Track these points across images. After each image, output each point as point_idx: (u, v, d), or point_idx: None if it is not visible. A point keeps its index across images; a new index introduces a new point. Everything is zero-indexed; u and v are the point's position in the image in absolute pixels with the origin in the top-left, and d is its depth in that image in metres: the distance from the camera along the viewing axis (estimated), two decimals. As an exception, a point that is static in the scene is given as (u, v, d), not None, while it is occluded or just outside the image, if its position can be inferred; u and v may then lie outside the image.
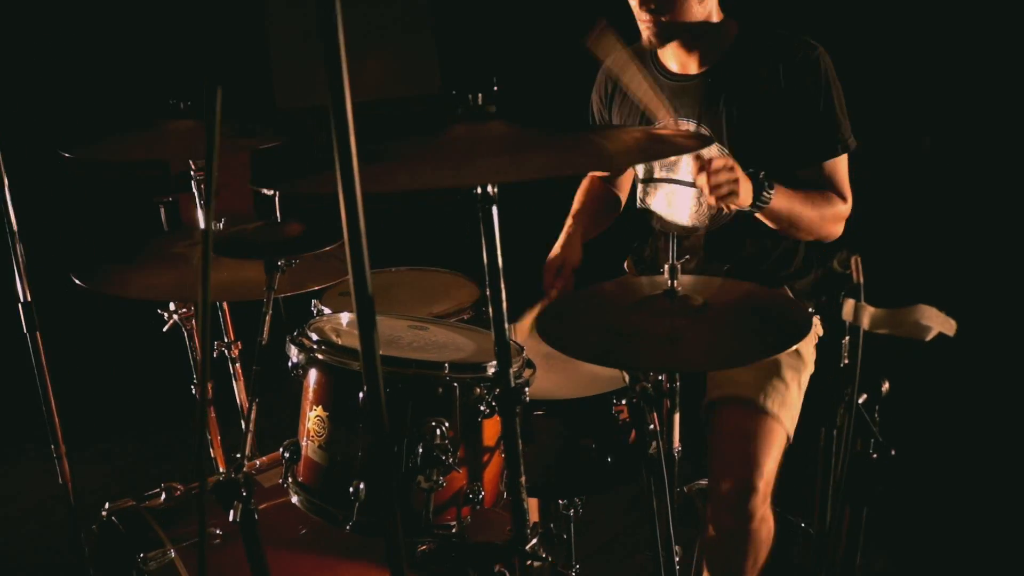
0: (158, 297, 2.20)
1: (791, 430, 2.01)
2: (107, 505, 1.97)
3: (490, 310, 1.40)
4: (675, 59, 2.18)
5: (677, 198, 2.23)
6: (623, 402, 1.79)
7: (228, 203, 4.21)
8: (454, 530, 1.61)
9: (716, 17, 2.11)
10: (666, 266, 1.59)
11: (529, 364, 1.68)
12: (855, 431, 1.34)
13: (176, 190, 4.23)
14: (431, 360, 1.61)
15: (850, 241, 1.33)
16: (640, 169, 2.31)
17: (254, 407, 1.79)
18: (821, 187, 2.06)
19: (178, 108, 2.19)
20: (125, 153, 2.31)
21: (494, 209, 1.34)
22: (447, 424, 1.57)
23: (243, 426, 2.45)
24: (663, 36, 2.08)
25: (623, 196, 2.48)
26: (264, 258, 1.68)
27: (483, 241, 1.35)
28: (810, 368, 2.11)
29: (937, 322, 1.13)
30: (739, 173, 1.86)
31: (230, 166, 4.20)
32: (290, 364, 1.72)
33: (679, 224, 2.23)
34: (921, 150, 4.08)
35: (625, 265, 2.46)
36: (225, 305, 2.49)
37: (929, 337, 1.15)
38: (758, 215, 1.97)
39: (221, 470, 2.46)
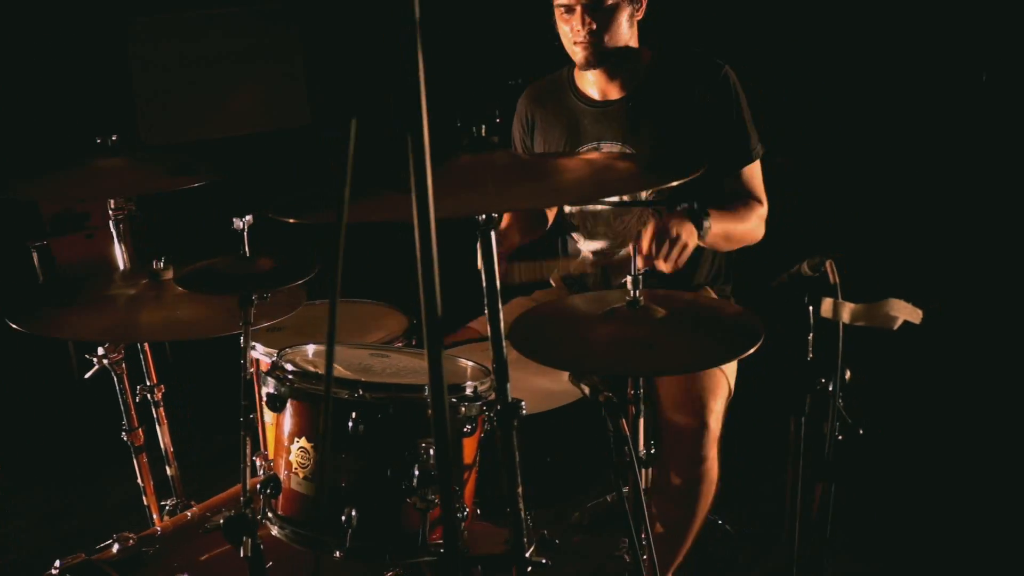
0: (95, 338, 2.13)
1: (732, 385, 2.17)
2: (57, 563, 1.88)
3: (488, 330, 1.47)
4: (596, 87, 2.33)
5: (596, 219, 2.37)
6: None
7: (106, 245, 4.05)
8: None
9: (634, 43, 2.27)
10: (628, 278, 1.71)
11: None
12: (822, 417, 1.50)
13: (49, 234, 4.04)
14: (417, 384, 1.66)
15: (818, 246, 1.50)
16: None
17: (248, 441, 1.78)
18: (741, 195, 2.25)
19: (106, 145, 2.14)
20: (61, 191, 2.21)
21: (492, 233, 1.42)
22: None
23: (169, 472, 2.43)
24: (598, 57, 2.20)
25: (551, 214, 2.60)
26: (238, 293, 1.68)
27: (483, 264, 1.43)
28: None
29: (905, 312, 1.30)
30: (676, 227, 1.98)
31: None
32: (265, 397, 1.72)
33: (598, 247, 2.38)
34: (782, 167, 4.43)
35: (551, 280, 2.58)
36: (147, 347, 2.43)
37: (896, 326, 1.32)
38: (700, 243, 2.11)
39: (155, 518, 2.38)
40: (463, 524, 1.69)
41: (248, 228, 1.72)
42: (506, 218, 2.54)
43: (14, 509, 3.34)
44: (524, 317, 1.78)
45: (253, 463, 2.40)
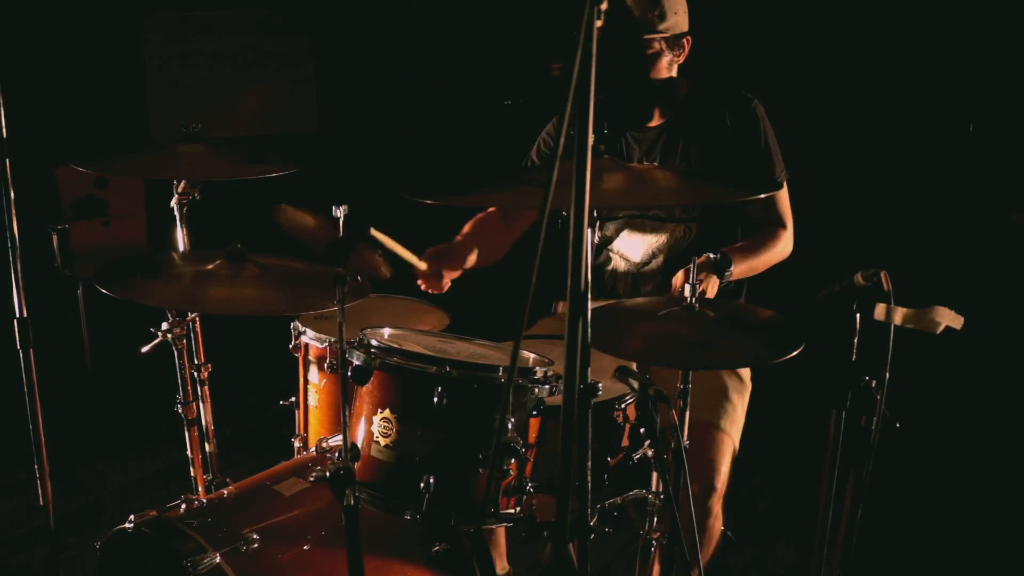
0: (183, 307, 2.26)
1: (737, 443, 2.37)
2: (132, 517, 2.00)
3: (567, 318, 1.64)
4: None
5: (633, 236, 2.57)
6: (622, 407, 2.07)
7: (121, 232, 4.16)
8: (522, 514, 1.82)
9: (675, 74, 2.48)
10: (687, 285, 1.91)
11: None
12: (860, 409, 1.70)
13: (70, 219, 4.12)
14: (495, 365, 1.83)
15: (867, 258, 1.70)
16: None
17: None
18: (766, 221, 2.46)
19: (189, 131, 2.28)
20: (139, 171, 2.35)
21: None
22: (513, 420, 1.79)
23: (208, 449, 2.54)
24: None
25: (513, 237, 2.72)
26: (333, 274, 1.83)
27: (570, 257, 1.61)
28: (749, 388, 2.48)
29: (948, 319, 1.52)
30: (705, 283, 2.20)
31: (127, 194, 4.15)
32: (352, 371, 1.87)
33: (635, 260, 2.57)
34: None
35: (559, 307, 2.76)
36: (198, 326, 2.55)
37: (940, 331, 1.54)
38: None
39: (200, 491, 2.49)
40: (522, 499, 1.86)
41: (345, 216, 1.88)
42: (466, 227, 2.65)
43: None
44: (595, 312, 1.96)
45: (304, 439, 2.56)
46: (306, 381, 2.57)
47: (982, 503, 3.28)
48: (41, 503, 2.27)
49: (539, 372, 1.86)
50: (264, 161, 2.23)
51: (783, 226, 2.49)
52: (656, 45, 2.37)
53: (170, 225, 2.55)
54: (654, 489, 2.04)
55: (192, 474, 2.51)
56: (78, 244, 4.05)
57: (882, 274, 1.55)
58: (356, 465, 1.87)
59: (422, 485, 1.77)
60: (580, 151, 1.17)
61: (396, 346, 1.89)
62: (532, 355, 2.01)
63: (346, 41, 5.35)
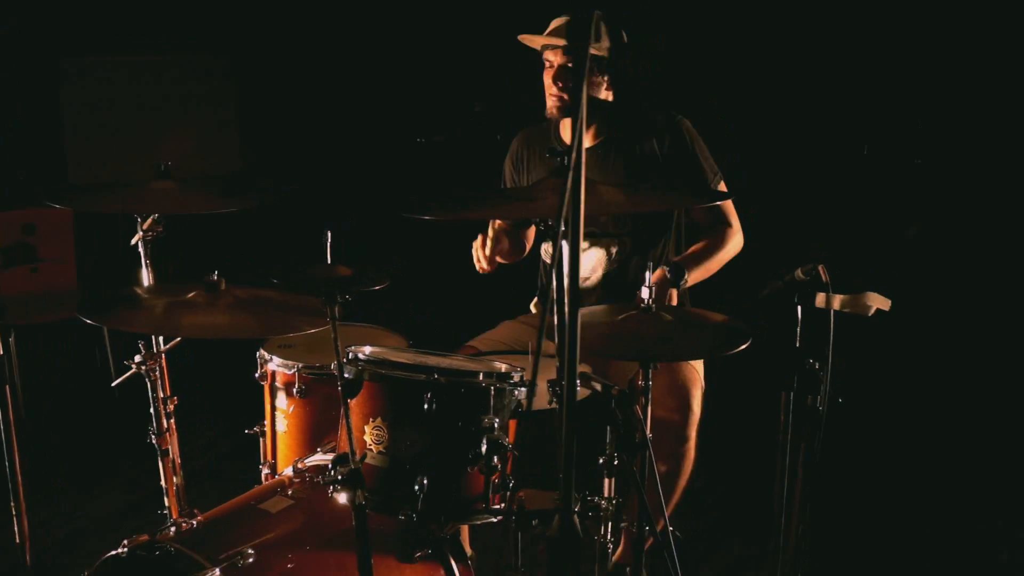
0: (157, 331, 2.32)
1: (702, 380, 2.60)
2: (125, 542, 2.05)
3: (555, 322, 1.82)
4: (571, 132, 2.75)
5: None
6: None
7: (52, 278, 4.14)
8: (512, 507, 1.97)
9: (610, 96, 2.70)
10: (644, 289, 2.11)
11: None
12: (806, 391, 1.93)
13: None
14: (478, 370, 1.99)
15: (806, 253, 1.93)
16: None
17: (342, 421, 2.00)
18: (714, 224, 2.69)
19: (160, 169, 2.37)
20: (127, 206, 2.41)
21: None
22: (498, 420, 1.95)
23: (176, 481, 2.59)
24: (563, 111, 2.65)
25: (528, 244, 2.96)
26: (325, 294, 1.95)
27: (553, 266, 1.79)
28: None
29: (878, 302, 1.75)
30: (661, 292, 2.43)
31: (56, 239, 4.12)
32: (342, 385, 1.99)
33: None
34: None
35: (532, 307, 2.94)
36: (163, 360, 2.60)
37: (871, 313, 1.77)
38: None
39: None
40: (505, 495, 2.01)
41: (330, 240, 2.01)
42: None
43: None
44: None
45: (273, 465, 2.64)
46: (274, 408, 2.65)
47: (927, 475, 3.64)
48: (17, 540, 2.29)
49: (516, 377, 2.02)
50: (236, 195, 2.33)
51: (729, 225, 2.73)
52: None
53: (135, 265, 2.62)
54: (606, 495, 2.17)
55: (167, 503, 2.56)
56: (7, 291, 3.99)
57: (820, 268, 1.78)
58: (349, 473, 1.99)
59: (416, 487, 1.90)
60: (576, 168, 1.34)
61: (384, 358, 2.02)
62: (504, 364, 2.18)
63: (269, 81, 5.43)
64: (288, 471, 2.47)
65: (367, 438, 1.98)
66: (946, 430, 4.02)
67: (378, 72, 5.66)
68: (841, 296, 1.76)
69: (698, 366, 2.59)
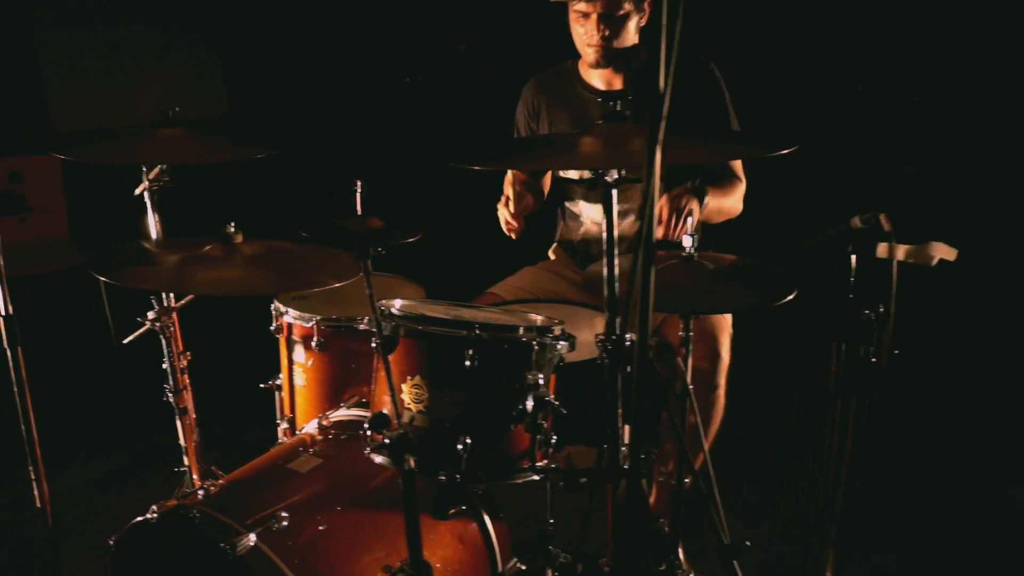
0: (189, 289, 2.22)
1: (731, 328, 2.55)
2: (153, 508, 1.97)
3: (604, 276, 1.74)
4: (601, 79, 2.64)
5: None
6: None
7: (41, 227, 3.99)
8: (559, 466, 1.91)
9: (637, 40, 2.59)
10: (686, 237, 2.03)
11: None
12: (860, 341, 1.87)
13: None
14: (518, 324, 1.91)
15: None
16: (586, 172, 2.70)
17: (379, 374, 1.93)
18: (724, 174, 2.62)
19: (166, 116, 2.24)
20: (120, 156, 2.27)
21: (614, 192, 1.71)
22: (542, 376, 1.88)
23: (194, 438, 2.51)
24: (608, 58, 2.53)
25: (546, 191, 2.86)
26: (358, 248, 1.86)
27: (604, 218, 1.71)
28: None
29: (942, 252, 1.69)
30: (685, 201, 2.36)
31: (45, 187, 3.96)
32: (376, 342, 1.90)
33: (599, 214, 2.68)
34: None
35: (551, 252, 2.86)
36: (175, 315, 2.50)
37: (934, 263, 1.71)
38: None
39: (195, 480, 2.47)
40: (548, 452, 1.95)
41: (360, 191, 1.91)
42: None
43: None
44: (594, 271, 2.06)
45: (291, 420, 2.57)
46: (291, 362, 2.57)
47: (973, 430, 3.60)
48: (38, 504, 2.21)
49: (556, 330, 1.94)
50: (248, 143, 2.21)
51: (739, 178, 2.65)
52: (626, 6, 2.47)
53: (140, 215, 2.50)
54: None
55: (186, 462, 2.49)
56: (-7, 241, 3.85)
57: (881, 216, 1.71)
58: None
59: (460, 447, 1.83)
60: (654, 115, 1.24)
61: (421, 313, 1.94)
62: (539, 316, 2.10)
63: (251, 21, 5.23)
64: (311, 428, 2.40)
65: (405, 396, 1.90)
66: (1002, 387, 3.93)
67: (361, 12, 5.48)
68: (905, 246, 1.69)
69: (727, 316, 2.52)
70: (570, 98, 2.68)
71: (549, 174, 2.86)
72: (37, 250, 3.97)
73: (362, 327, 2.40)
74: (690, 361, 2.10)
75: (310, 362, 2.52)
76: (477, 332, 1.83)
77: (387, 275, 2.79)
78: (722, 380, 2.46)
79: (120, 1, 4.95)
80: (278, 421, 2.64)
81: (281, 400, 2.64)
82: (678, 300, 1.94)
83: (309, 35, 5.43)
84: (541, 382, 1.87)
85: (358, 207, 1.91)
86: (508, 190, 2.51)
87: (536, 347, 1.88)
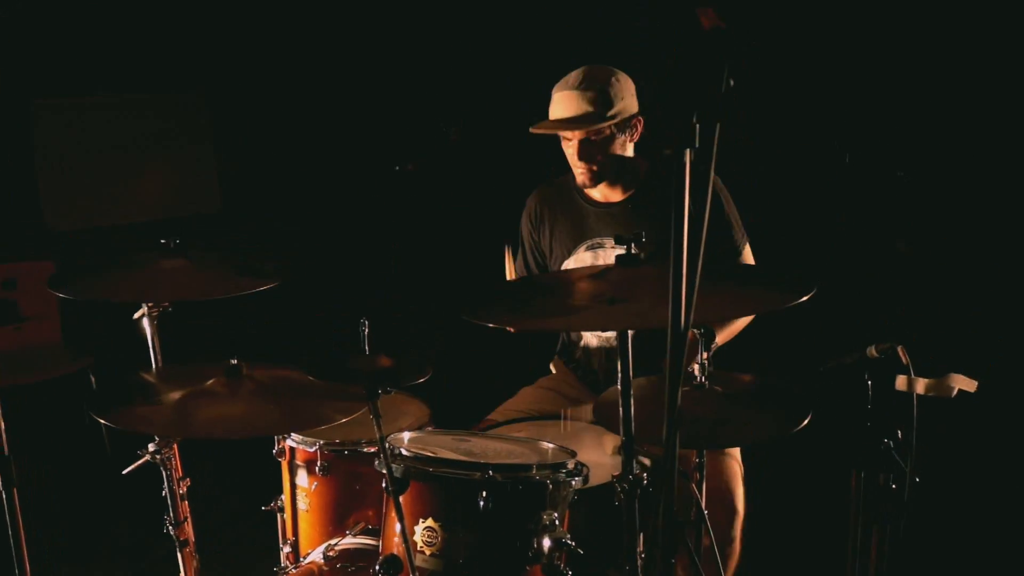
0: (179, 434, 2.17)
1: (741, 463, 2.48)
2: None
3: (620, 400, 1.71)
4: (598, 191, 2.64)
5: None
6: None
7: (35, 335, 3.95)
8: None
9: (631, 154, 2.60)
10: (695, 365, 2.01)
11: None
12: (879, 469, 1.84)
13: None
14: (531, 463, 1.87)
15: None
16: None
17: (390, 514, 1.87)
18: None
19: (168, 247, 2.22)
20: (120, 293, 2.23)
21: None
22: (556, 514, 1.84)
23: (194, 564, 2.44)
24: (596, 179, 2.55)
25: None
26: (367, 390, 1.83)
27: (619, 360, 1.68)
28: None
29: (961, 383, 1.67)
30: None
31: (38, 294, 3.93)
32: (384, 483, 1.86)
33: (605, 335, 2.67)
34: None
35: (552, 366, 2.83)
36: (175, 447, 2.45)
37: (954, 395, 1.69)
38: None
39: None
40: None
41: (367, 328, 1.88)
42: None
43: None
44: (607, 399, 2.03)
45: (295, 544, 2.51)
46: (293, 485, 2.52)
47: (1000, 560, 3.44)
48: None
49: (570, 464, 1.91)
50: (254, 274, 2.18)
51: None
52: (607, 130, 2.48)
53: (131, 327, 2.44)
54: None
55: (186, 594, 2.41)
56: (-9, 351, 3.81)
57: (899, 348, 1.69)
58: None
59: (475, 590, 1.78)
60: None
61: (431, 454, 1.90)
62: (551, 447, 2.06)
63: (245, 118, 5.26)
64: (317, 556, 2.34)
65: (417, 539, 1.85)
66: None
67: (354, 102, 5.54)
68: (925, 380, 1.67)
69: (736, 453, 2.47)
70: (570, 210, 2.69)
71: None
72: (30, 357, 3.92)
73: (367, 450, 2.36)
74: (704, 486, 2.06)
75: (314, 486, 2.46)
76: (491, 474, 1.80)
77: (392, 392, 2.75)
78: (738, 533, 2.40)
79: (116, 102, 4.98)
80: (281, 545, 2.57)
81: (284, 523, 2.57)
82: (691, 432, 1.90)
83: (302, 123, 5.47)
84: (556, 522, 1.82)
85: (366, 346, 1.88)
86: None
87: (550, 485, 1.84)
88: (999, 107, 4.72)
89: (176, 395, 2.10)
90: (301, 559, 2.46)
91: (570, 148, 2.53)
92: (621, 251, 1.72)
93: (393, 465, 1.86)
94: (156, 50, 4.90)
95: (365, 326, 1.87)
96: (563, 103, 2.50)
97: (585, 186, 2.57)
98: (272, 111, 5.29)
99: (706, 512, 2.06)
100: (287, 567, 2.50)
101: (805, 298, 1.53)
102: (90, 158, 4.90)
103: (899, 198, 5.50)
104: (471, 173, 5.78)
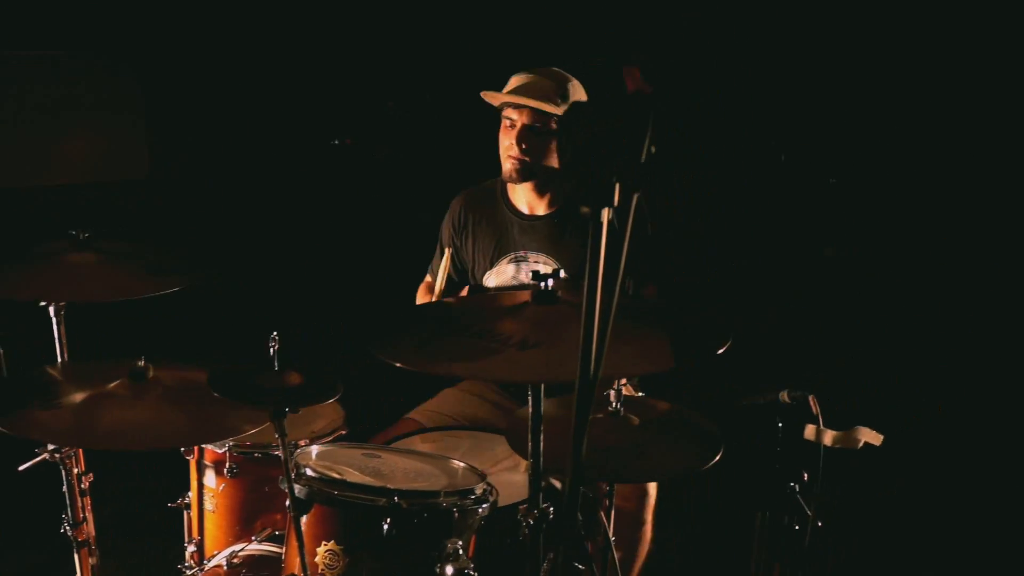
0: (75, 443, 2.09)
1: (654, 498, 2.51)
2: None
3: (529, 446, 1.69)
4: (524, 201, 2.61)
5: None
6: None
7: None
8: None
9: (556, 166, 2.55)
10: (611, 391, 2.00)
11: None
12: (785, 510, 1.87)
13: None
14: (439, 490, 1.85)
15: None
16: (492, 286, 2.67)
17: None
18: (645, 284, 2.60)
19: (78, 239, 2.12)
20: (21, 291, 2.11)
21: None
22: (461, 543, 1.82)
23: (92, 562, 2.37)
24: (524, 174, 2.50)
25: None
26: (273, 410, 1.77)
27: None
28: None
29: (868, 436, 1.69)
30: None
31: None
32: (289, 506, 1.82)
33: None
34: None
35: None
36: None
37: (860, 447, 1.71)
38: None
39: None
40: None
41: (277, 344, 1.83)
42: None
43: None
44: (516, 422, 2.01)
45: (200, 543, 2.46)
46: (201, 485, 2.46)
47: None
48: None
49: (478, 490, 1.89)
50: (166, 272, 2.10)
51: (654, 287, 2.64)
52: (552, 124, 2.45)
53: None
54: None
55: (83, 597, 2.34)
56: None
57: (811, 398, 1.71)
58: (298, 598, 1.83)
59: (376, 616, 1.76)
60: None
61: (336, 475, 1.86)
62: (461, 466, 2.04)
63: (176, 82, 5.09)
64: (221, 561, 2.30)
65: (319, 560, 1.82)
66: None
67: (289, 74, 5.41)
68: (832, 432, 1.69)
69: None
70: (494, 219, 2.65)
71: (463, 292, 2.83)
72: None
73: (278, 454, 2.31)
74: (613, 514, 2.06)
75: (221, 487, 2.41)
76: (396, 500, 1.77)
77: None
78: (648, 516, 2.43)
79: (41, 60, 4.77)
80: (186, 544, 2.52)
81: (190, 520, 2.52)
82: (603, 464, 1.90)
83: (235, 90, 5.32)
84: (460, 551, 1.81)
85: (275, 362, 1.82)
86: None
87: (456, 513, 1.82)
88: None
89: (78, 397, 2.01)
90: (206, 560, 2.41)
91: (510, 135, 2.48)
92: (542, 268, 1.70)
93: (297, 486, 1.82)
94: (86, 9, 4.70)
95: (275, 341, 1.81)
96: (523, 81, 2.49)
97: (511, 179, 2.52)
98: (204, 77, 5.13)
99: (613, 539, 2.07)
100: (191, 566, 2.45)
101: (720, 351, 1.52)
102: (14, 117, 4.69)
103: (829, 204, 5.59)
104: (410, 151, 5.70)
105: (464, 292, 2.69)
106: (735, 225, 5.07)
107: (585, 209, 1.14)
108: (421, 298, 2.78)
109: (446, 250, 2.66)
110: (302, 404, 1.83)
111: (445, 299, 2.62)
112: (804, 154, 5.65)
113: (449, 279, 2.75)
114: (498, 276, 2.63)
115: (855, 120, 5.09)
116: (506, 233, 2.62)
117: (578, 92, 2.52)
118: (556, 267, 2.48)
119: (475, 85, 2.57)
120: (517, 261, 2.61)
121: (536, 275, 1.65)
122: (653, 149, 1.08)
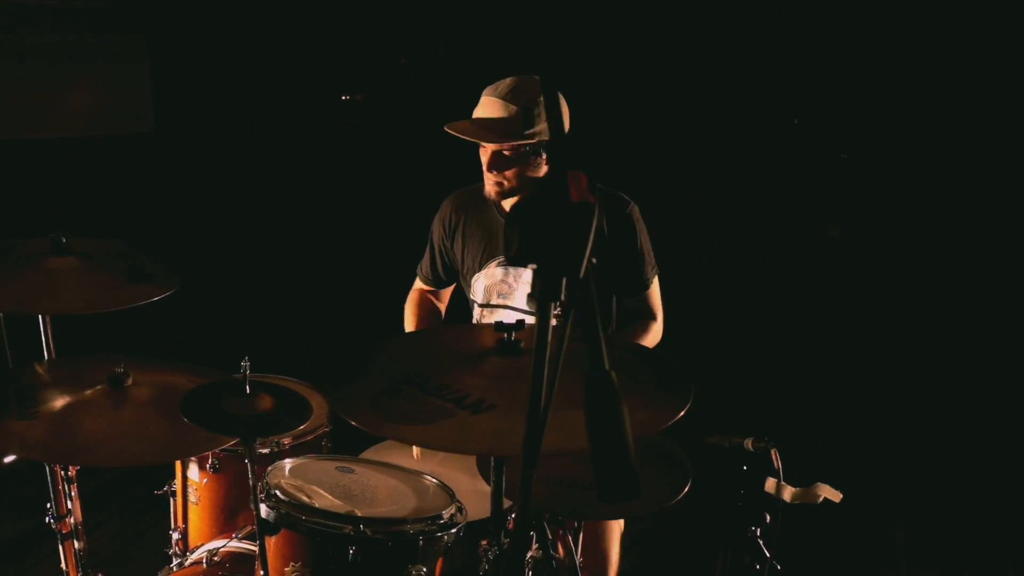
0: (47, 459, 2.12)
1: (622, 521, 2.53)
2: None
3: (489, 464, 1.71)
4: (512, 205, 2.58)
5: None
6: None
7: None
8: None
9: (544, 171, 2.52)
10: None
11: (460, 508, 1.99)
12: (744, 551, 1.88)
13: None
14: (407, 517, 1.88)
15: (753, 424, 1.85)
16: (479, 294, 2.67)
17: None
18: (639, 312, 2.59)
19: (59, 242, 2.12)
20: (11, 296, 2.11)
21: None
22: (425, 569, 1.86)
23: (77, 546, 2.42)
24: (503, 194, 2.49)
25: (443, 307, 2.84)
26: (242, 437, 1.80)
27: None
28: None
29: (828, 492, 1.70)
30: None
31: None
32: (257, 523, 1.86)
33: None
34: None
35: None
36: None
37: (819, 502, 1.72)
38: None
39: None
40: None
41: (248, 369, 1.84)
42: (413, 316, 2.76)
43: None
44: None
45: (184, 532, 2.51)
46: (185, 478, 2.51)
47: None
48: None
49: (446, 515, 1.92)
50: (147, 280, 2.10)
51: (654, 317, 2.63)
52: (522, 148, 2.41)
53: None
54: None
55: (69, 586, 2.41)
56: None
57: (772, 452, 1.71)
58: (266, 615, 1.88)
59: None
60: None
61: (305, 498, 1.89)
62: (433, 483, 2.07)
63: (183, 38, 5.03)
64: (202, 556, 2.36)
65: (286, 581, 1.86)
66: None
67: (298, 29, 5.33)
68: (792, 489, 1.69)
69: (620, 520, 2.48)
70: (484, 222, 2.63)
71: (448, 290, 2.83)
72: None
73: (261, 451, 2.35)
74: (581, 540, 2.09)
75: (204, 481, 2.47)
76: (361, 528, 1.80)
77: (296, 381, 2.72)
78: (615, 546, 2.43)
79: (47, 8, 4.71)
80: (171, 531, 2.58)
81: (175, 508, 2.58)
82: (569, 499, 1.92)
83: (243, 45, 5.26)
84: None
85: (246, 387, 1.84)
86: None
87: (422, 541, 1.85)
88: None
89: (56, 404, 2.04)
90: (189, 551, 2.48)
91: (484, 156, 2.46)
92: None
93: (266, 507, 1.85)
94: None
95: (245, 367, 1.83)
96: (486, 107, 2.42)
97: (490, 198, 2.51)
98: (211, 31, 5.06)
99: (580, 561, 2.10)
100: (177, 552, 2.52)
101: (680, 414, 1.52)
102: (14, 65, 4.65)
103: (838, 182, 5.51)
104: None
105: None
106: (739, 208, 5.01)
107: (531, 299, 1.12)
108: (409, 308, 2.79)
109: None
110: (272, 433, 1.85)
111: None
112: (818, 124, 5.54)
113: (437, 278, 2.75)
114: (487, 279, 2.62)
115: (872, 99, 4.98)
116: (495, 236, 2.61)
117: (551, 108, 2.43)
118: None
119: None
120: (505, 265, 2.60)
121: (499, 325, 1.65)
122: (594, 261, 1.06)
